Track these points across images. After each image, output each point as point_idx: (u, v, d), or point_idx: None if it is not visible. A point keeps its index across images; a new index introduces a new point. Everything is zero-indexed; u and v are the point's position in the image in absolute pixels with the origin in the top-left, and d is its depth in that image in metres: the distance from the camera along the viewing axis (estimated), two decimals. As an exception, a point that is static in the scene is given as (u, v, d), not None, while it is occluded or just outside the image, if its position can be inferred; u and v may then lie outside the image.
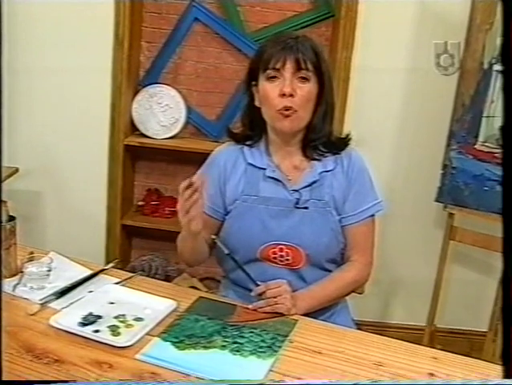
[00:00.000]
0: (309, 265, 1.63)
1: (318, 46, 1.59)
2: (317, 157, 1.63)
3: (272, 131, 1.63)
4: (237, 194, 1.64)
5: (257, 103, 1.61)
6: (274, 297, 1.49)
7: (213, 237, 1.59)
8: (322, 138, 1.62)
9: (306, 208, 1.60)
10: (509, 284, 1.08)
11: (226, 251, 1.56)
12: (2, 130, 1.05)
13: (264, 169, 1.63)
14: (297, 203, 1.60)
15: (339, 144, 1.66)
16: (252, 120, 1.66)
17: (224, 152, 1.70)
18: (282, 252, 1.61)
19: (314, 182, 1.62)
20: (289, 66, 1.53)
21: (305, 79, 1.55)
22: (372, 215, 1.66)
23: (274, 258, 1.62)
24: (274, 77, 1.54)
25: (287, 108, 1.53)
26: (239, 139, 1.70)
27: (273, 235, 1.60)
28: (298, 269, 1.63)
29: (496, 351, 2.51)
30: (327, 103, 1.61)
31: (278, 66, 1.53)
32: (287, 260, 1.62)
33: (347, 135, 1.68)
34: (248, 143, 1.67)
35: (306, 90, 1.55)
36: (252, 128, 1.66)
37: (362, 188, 1.65)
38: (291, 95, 1.52)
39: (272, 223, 1.60)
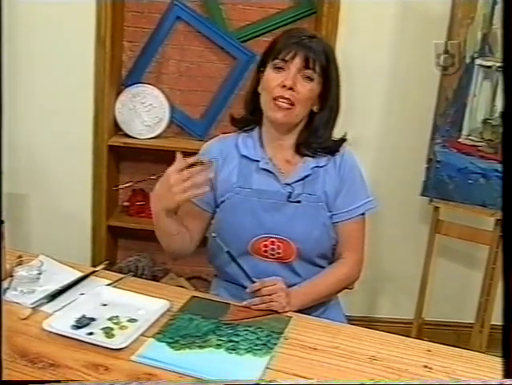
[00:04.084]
0: (299, 259, 1.63)
1: (331, 51, 1.62)
2: (310, 154, 1.65)
3: (267, 120, 1.64)
4: (229, 186, 1.64)
5: (259, 89, 1.63)
6: (269, 295, 1.49)
7: (214, 234, 1.58)
8: (321, 143, 1.64)
9: (298, 202, 1.61)
10: (510, 283, 1.09)
11: (226, 248, 1.54)
12: (2, 132, 1.04)
13: (257, 161, 1.64)
14: (289, 196, 1.61)
15: (334, 148, 1.67)
16: (253, 105, 1.66)
17: (216, 145, 1.71)
18: (273, 245, 1.61)
19: (307, 176, 1.63)
20: (297, 62, 1.55)
21: (309, 79, 1.56)
22: (363, 213, 1.67)
23: (265, 252, 1.62)
24: (281, 68, 1.56)
25: (284, 98, 1.54)
26: (238, 123, 1.71)
27: (264, 228, 1.61)
28: (288, 262, 1.63)
29: (483, 342, 2.54)
30: (331, 108, 1.63)
31: (287, 58, 1.55)
32: (278, 253, 1.62)
33: (342, 138, 1.68)
34: (245, 128, 1.69)
35: (308, 88, 1.56)
36: (252, 113, 1.68)
37: (354, 186, 1.66)
38: (291, 89, 1.54)
39: (264, 216, 1.61)
